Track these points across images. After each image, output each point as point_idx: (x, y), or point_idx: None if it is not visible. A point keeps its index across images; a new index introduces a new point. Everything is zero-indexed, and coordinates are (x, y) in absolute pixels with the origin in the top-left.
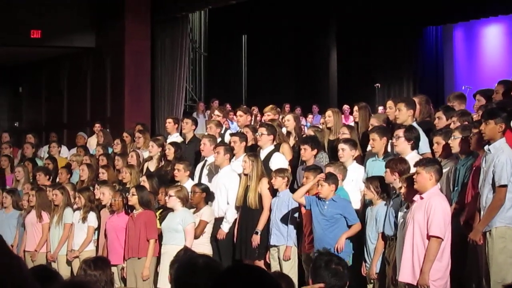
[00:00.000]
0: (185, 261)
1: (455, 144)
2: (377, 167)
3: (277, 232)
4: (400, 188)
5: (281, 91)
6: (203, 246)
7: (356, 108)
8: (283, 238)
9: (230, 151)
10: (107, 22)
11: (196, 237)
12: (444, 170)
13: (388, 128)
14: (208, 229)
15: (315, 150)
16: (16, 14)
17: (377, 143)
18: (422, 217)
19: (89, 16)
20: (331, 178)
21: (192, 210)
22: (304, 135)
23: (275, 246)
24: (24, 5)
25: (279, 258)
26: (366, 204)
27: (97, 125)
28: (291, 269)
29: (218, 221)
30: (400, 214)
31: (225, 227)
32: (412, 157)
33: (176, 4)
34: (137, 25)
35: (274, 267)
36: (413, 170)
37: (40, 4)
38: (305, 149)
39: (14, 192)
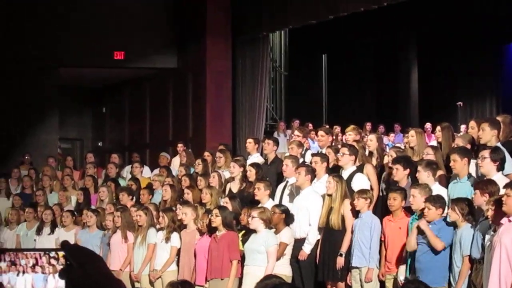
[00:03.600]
0: None
1: None
2: (458, 188)
3: (359, 254)
4: (488, 210)
5: (362, 109)
6: (283, 268)
7: (438, 128)
8: (365, 260)
9: (312, 172)
10: (188, 43)
11: (276, 259)
12: None
13: (470, 149)
14: (288, 251)
15: (408, 170)
16: (99, 36)
17: (458, 164)
18: (509, 240)
19: (170, 37)
20: (439, 202)
21: (272, 230)
22: (385, 155)
23: (357, 267)
24: (107, 28)
25: (360, 280)
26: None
27: (179, 145)
28: None
29: (299, 242)
30: (487, 237)
31: (307, 249)
32: (498, 178)
33: (257, 24)
34: (218, 45)
35: None
36: (502, 191)
37: (123, 26)
38: (397, 169)
39: (98, 212)
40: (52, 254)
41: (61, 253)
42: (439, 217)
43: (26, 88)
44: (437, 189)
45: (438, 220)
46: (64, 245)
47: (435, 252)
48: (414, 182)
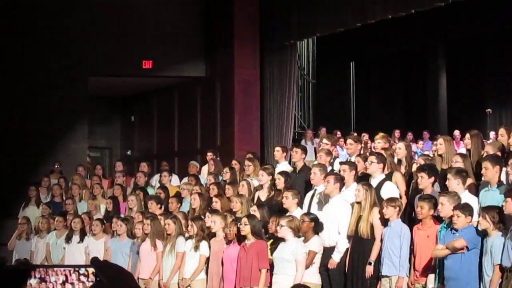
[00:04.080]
0: None
1: None
2: (490, 197)
3: (389, 262)
4: None
5: (390, 117)
6: (312, 276)
7: (468, 135)
8: (395, 269)
9: (341, 180)
10: (216, 51)
11: (305, 267)
12: None
13: (501, 157)
14: (317, 259)
15: (432, 178)
16: (128, 45)
17: (489, 171)
18: None
19: (198, 45)
20: (467, 210)
21: (301, 239)
22: (414, 163)
23: (387, 276)
24: (136, 37)
25: None
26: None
27: (209, 153)
28: None
29: (329, 250)
30: None
31: (336, 257)
32: None
33: (284, 32)
34: (246, 54)
35: None
36: None
37: (151, 36)
38: (422, 177)
39: (128, 220)
40: (82, 271)
41: (90, 270)
42: (468, 225)
43: (56, 97)
44: (467, 197)
45: (465, 227)
46: (94, 262)
47: (465, 260)
48: (443, 190)
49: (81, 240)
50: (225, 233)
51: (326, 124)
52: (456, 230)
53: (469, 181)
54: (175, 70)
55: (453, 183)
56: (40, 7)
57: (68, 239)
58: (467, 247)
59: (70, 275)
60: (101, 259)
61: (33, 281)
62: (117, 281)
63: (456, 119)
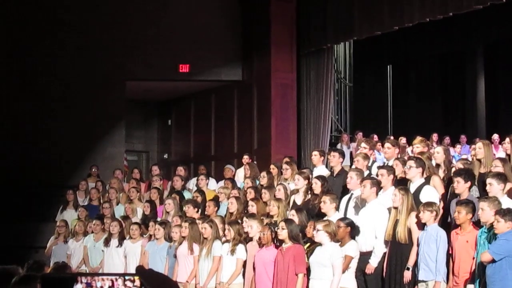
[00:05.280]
0: None
1: None
2: None
3: (425, 267)
4: None
5: (428, 121)
6: (348, 281)
7: (507, 140)
8: (432, 274)
9: (377, 184)
10: (253, 55)
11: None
12: None
13: None
14: (353, 264)
15: (469, 183)
16: (165, 50)
17: None
18: None
19: (235, 49)
20: (509, 215)
21: (338, 243)
22: (453, 167)
23: (423, 281)
24: (173, 41)
25: None
26: None
27: (245, 157)
28: None
29: (365, 255)
30: None
31: (373, 262)
32: None
33: (321, 36)
34: (283, 57)
35: None
36: None
37: (188, 40)
38: (458, 182)
39: (166, 224)
40: (127, 276)
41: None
42: (508, 230)
43: (94, 102)
44: (506, 202)
45: (505, 232)
46: (140, 270)
47: (506, 267)
48: (483, 195)
49: (120, 244)
50: (259, 236)
51: (363, 128)
52: (495, 235)
53: (509, 185)
54: (212, 74)
55: (496, 187)
56: (78, 13)
57: (107, 243)
58: (494, 259)
59: (116, 280)
60: (138, 262)
61: (79, 286)
62: None
63: (494, 123)
